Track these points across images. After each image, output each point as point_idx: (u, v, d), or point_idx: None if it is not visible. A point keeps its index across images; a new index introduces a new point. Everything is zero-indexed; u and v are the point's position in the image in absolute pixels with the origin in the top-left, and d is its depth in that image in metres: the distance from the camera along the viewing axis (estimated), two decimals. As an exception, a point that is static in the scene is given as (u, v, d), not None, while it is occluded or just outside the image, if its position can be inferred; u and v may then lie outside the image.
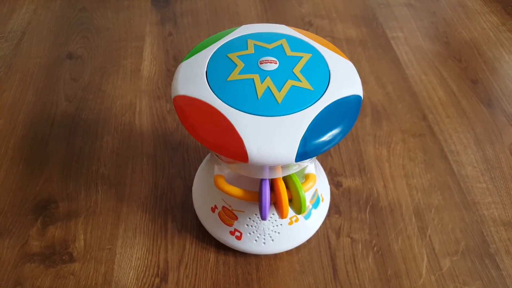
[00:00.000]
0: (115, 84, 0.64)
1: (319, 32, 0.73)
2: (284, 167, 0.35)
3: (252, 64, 0.35)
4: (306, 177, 0.39)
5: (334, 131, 0.31)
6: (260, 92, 0.33)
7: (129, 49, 0.70)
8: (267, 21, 0.76)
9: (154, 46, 0.70)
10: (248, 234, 0.42)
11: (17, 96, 0.62)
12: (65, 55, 0.69)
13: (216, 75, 0.34)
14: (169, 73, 0.66)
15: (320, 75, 0.34)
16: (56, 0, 0.80)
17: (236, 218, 0.42)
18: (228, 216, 0.42)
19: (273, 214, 0.41)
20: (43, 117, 0.59)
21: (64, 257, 0.45)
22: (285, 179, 0.38)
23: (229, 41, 0.38)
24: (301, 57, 0.36)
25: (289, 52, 0.36)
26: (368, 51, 0.70)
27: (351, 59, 0.68)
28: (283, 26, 0.40)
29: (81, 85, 0.64)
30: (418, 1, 0.81)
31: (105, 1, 0.80)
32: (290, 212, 0.42)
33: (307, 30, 0.74)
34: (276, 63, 0.35)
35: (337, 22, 0.75)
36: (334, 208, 0.49)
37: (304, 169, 0.40)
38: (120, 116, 0.59)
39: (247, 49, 0.36)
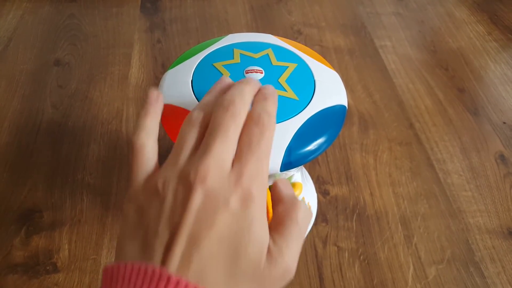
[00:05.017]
0: (102, 91, 0.63)
1: (308, 40, 0.74)
2: (270, 176, 0.35)
3: (238, 73, 0.35)
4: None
5: (319, 141, 0.31)
6: (245, 102, 0.33)
7: (117, 56, 0.69)
8: (257, 29, 0.76)
9: (143, 53, 0.70)
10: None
11: (2, 103, 0.61)
12: (52, 62, 0.68)
13: (201, 84, 0.34)
14: (157, 81, 0.65)
15: (306, 85, 0.34)
16: (43, 6, 0.79)
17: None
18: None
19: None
20: (29, 125, 0.58)
21: (48, 268, 0.44)
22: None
23: (215, 50, 0.38)
24: (287, 67, 0.36)
25: (275, 62, 0.36)
26: (356, 59, 0.70)
27: (339, 68, 0.68)
28: (270, 35, 0.40)
29: (68, 92, 0.63)
30: (406, 10, 0.82)
31: (93, 8, 0.80)
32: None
33: (296, 38, 0.74)
34: (261, 72, 0.35)
35: (326, 30, 0.76)
36: (321, 216, 0.49)
37: (290, 178, 0.40)
38: (107, 124, 0.58)
39: (233, 58, 0.36)
